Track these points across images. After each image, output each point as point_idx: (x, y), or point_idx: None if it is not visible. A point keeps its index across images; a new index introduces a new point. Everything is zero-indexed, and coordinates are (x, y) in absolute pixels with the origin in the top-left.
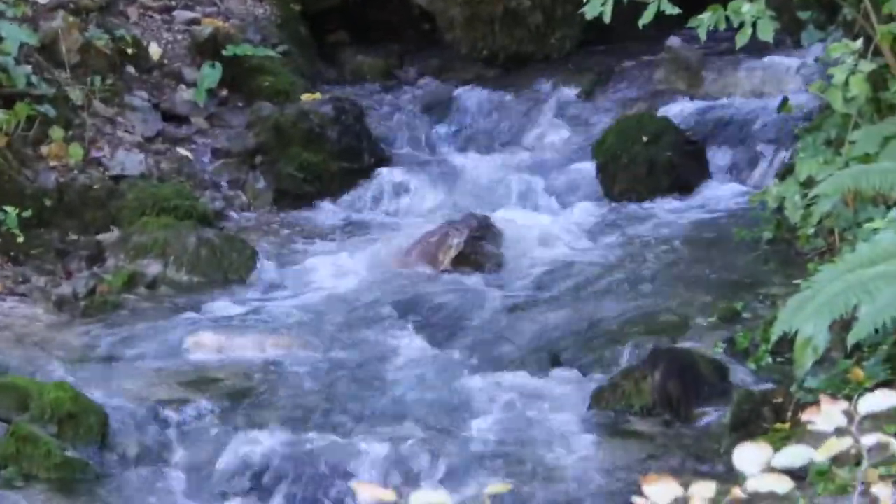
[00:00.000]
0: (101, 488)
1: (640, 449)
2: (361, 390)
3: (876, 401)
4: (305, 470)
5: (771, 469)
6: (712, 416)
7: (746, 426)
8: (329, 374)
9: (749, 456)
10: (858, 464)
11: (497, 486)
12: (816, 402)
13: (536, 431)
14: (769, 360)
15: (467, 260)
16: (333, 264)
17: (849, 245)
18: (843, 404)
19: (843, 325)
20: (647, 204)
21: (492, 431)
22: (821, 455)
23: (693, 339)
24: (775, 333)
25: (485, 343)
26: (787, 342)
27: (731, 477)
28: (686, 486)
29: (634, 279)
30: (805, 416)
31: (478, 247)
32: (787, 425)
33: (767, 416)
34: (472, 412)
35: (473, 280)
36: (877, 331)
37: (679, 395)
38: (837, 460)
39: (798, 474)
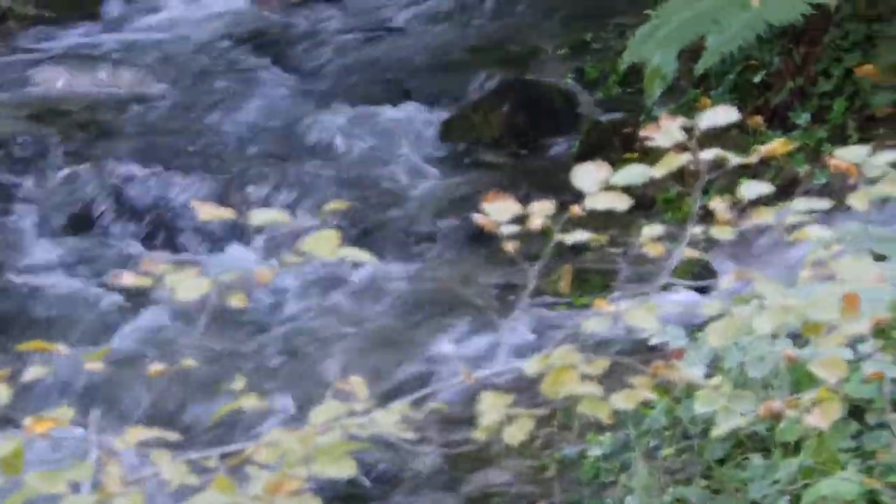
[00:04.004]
0: None
1: (489, 179)
2: (212, 123)
3: (715, 116)
4: (153, 201)
5: (610, 188)
6: (561, 146)
7: (595, 155)
8: (180, 107)
9: (588, 175)
10: (705, 192)
11: (335, 203)
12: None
13: (384, 161)
14: (618, 90)
15: None
16: (182, 1)
17: None
18: (683, 120)
19: (691, 55)
20: None
21: (340, 161)
22: (659, 171)
23: (542, 70)
24: (624, 63)
25: (335, 75)
26: (637, 73)
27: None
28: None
29: (484, 11)
30: (644, 133)
31: None
32: (636, 154)
33: (616, 146)
34: (320, 143)
35: (323, 13)
36: (724, 60)
37: (528, 125)
38: (685, 184)
39: (647, 204)
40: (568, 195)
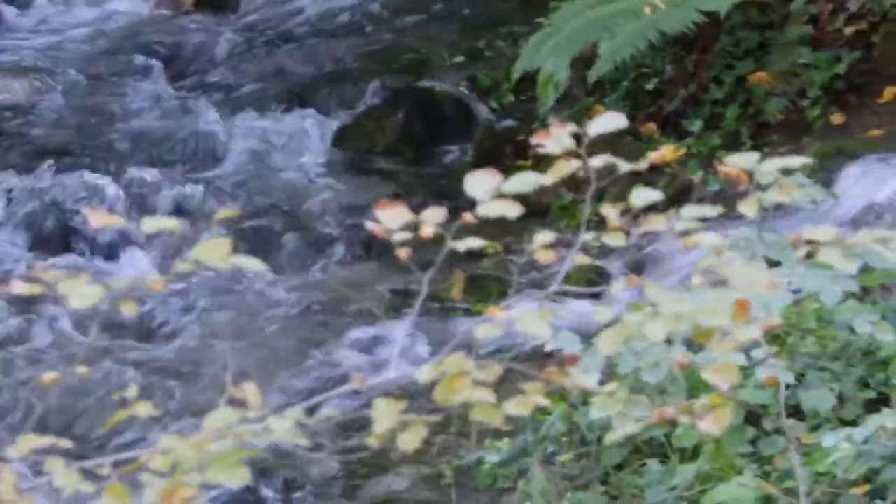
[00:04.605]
0: None
1: (383, 187)
2: (103, 130)
3: (604, 122)
4: (45, 207)
5: (502, 195)
6: (456, 153)
7: (488, 162)
8: (70, 114)
9: (480, 183)
10: (600, 199)
11: (227, 211)
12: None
13: (278, 169)
14: (512, 98)
15: (209, 0)
16: (74, 8)
17: None
18: (573, 127)
19: (585, 63)
20: None
21: (233, 170)
22: (549, 178)
23: (436, 77)
24: (517, 71)
25: (227, 84)
26: (530, 81)
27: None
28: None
29: (376, 18)
30: (534, 140)
31: None
32: (529, 162)
33: (509, 153)
34: (213, 152)
35: (214, 21)
36: (617, 67)
37: (422, 133)
38: (579, 192)
39: (542, 212)
40: (463, 202)
